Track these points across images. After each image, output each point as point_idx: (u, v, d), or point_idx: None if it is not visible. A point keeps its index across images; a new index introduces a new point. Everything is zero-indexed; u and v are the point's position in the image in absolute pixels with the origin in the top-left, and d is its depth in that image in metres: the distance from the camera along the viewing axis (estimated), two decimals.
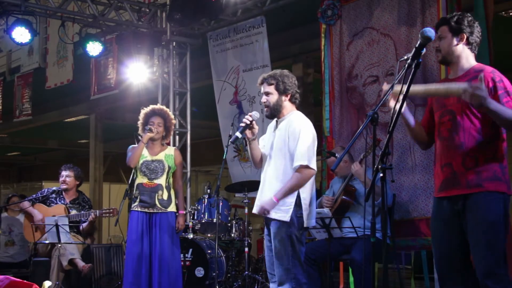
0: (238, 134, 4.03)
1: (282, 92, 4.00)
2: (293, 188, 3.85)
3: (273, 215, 3.90)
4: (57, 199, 6.30)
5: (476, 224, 3.08)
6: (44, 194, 6.35)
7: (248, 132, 4.06)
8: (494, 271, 3.03)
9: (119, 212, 6.21)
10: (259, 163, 4.17)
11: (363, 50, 5.70)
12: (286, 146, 3.93)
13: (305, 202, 3.90)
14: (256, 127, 4.08)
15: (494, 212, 3.08)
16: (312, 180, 3.97)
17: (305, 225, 3.89)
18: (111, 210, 6.17)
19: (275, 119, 4.11)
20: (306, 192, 3.91)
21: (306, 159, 3.83)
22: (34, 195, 6.51)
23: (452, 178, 3.17)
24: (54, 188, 6.42)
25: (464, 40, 3.24)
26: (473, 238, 3.09)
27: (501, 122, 3.02)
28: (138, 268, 5.13)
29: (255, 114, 4.09)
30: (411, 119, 3.38)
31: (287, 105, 4.04)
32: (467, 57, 3.26)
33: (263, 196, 4.02)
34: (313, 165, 3.87)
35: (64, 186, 6.27)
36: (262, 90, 4.08)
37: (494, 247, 3.05)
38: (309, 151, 3.87)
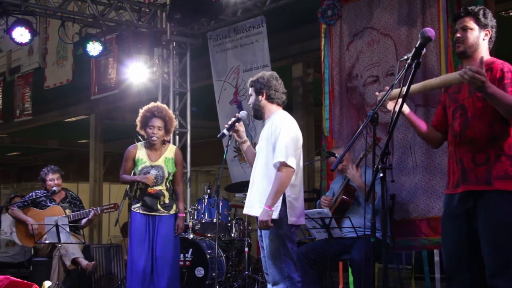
0: (225, 131, 4.17)
1: (257, 92, 4.09)
2: (279, 190, 3.85)
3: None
4: (47, 201, 6.25)
5: (487, 224, 3.05)
6: (33, 197, 6.28)
7: (234, 134, 4.19)
8: (503, 270, 3.00)
9: (119, 213, 6.22)
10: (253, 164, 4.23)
11: (363, 50, 5.70)
12: (269, 145, 3.98)
13: (289, 199, 3.91)
14: (241, 129, 4.17)
15: (505, 212, 3.04)
16: (298, 177, 3.99)
17: (289, 222, 3.89)
18: (111, 205, 6.17)
19: (263, 121, 4.17)
20: (290, 189, 3.93)
21: (284, 156, 3.85)
22: (22, 199, 6.45)
23: (462, 174, 3.14)
24: (41, 191, 6.36)
25: (489, 36, 3.22)
26: (484, 238, 3.06)
27: (502, 108, 2.96)
28: (140, 269, 5.11)
29: (243, 113, 4.20)
30: (422, 126, 3.37)
31: (267, 105, 4.09)
32: (485, 53, 3.22)
33: (252, 196, 4.06)
34: (291, 162, 3.86)
35: (57, 189, 6.23)
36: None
37: (505, 247, 3.02)
38: (287, 148, 3.88)
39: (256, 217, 4.03)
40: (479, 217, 3.08)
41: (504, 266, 3.01)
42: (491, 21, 3.23)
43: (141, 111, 5.23)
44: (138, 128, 5.25)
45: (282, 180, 3.84)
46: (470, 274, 3.15)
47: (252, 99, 4.14)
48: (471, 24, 3.20)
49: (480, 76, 2.83)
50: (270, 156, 3.95)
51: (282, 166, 3.86)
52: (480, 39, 3.20)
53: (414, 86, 3.18)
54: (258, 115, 4.13)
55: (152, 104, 5.27)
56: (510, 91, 2.99)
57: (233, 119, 4.17)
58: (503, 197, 3.05)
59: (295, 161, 3.91)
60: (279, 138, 3.90)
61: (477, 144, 3.11)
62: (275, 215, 3.86)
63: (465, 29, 3.20)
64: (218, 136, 4.23)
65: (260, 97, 4.08)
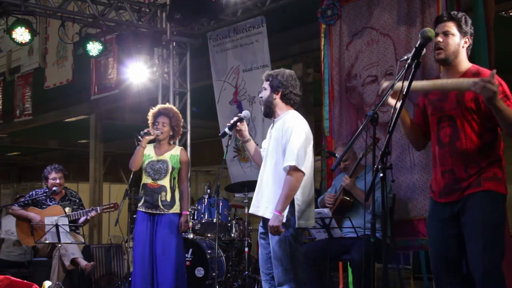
0: (226, 130, 4.08)
1: (274, 89, 3.98)
2: (289, 195, 3.77)
3: (270, 215, 3.85)
4: (47, 200, 6.25)
5: (475, 224, 3.05)
6: (33, 196, 6.28)
7: (237, 134, 4.12)
8: (493, 271, 3.01)
9: (119, 213, 6.23)
10: (259, 162, 4.15)
11: (363, 50, 5.70)
12: (279, 145, 3.89)
13: (298, 202, 3.83)
14: (243, 128, 4.07)
15: (493, 212, 3.06)
16: (308, 180, 3.90)
17: (297, 226, 3.82)
18: (111, 205, 6.18)
19: (273, 119, 4.07)
20: (300, 192, 3.84)
21: (295, 160, 3.75)
22: (23, 199, 6.45)
23: (454, 184, 3.14)
24: (42, 190, 6.36)
25: (467, 44, 3.20)
26: (471, 238, 3.06)
27: (505, 123, 2.96)
28: (142, 269, 5.15)
29: (245, 113, 4.13)
30: (407, 116, 3.36)
31: (279, 104, 3.99)
32: (465, 60, 3.21)
33: (259, 197, 4.00)
34: (302, 166, 3.78)
35: (59, 188, 6.23)
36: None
37: (494, 247, 3.02)
38: (299, 151, 3.78)
39: (262, 218, 4.01)
40: (467, 218, 3.08)
41: (494, 266, 3.01)
42: (470, 29, 3.21)
43: (151, 111, 5.43)
44: (150, 127, 5.34)
45: (292, 185, 3.76)
46: (459, 276, 3.15)
47: (265, 94, 4.01)
48: (453, 29, 3.17)
49: (492, 86, 2.80)
50: (280, 158, 3.87)
51: (292, 170, 3.76)
52: (460, 46, 3.17)
53: (423, 83, 3.17)
54: (269, 112, 4.02)
55: (160, 105, 5.51)
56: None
57: (235, 118, 4.09)
58: (491, 197, 3.07)
59: (306, 165, 3.82)
60: (290, 140, 3.80)
61: (469, 156, 3.11)
62: (283, 218, 3.79)
63: (446, 34, 3.17)
64: (219, 134, 4.19)
65: (274, 94, 3.98)
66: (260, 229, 4.06)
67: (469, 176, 3.10)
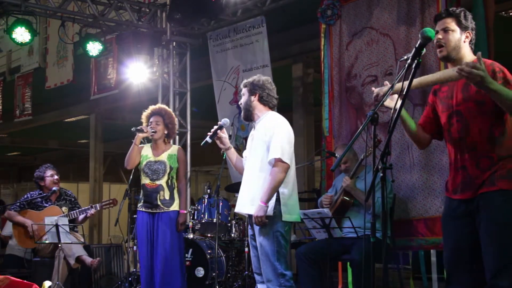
0: (207, 139, 4.20)
1: (250, 92, 4.14)
2: (274, 186, 3.91)
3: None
4: (43, 201, 6.23)
5: (489, 224, 3.02)
6: (29, 199, 6.24)
7: (218, 142, 4.23)
8: (505, 270, 2.97)
9: (119, 212, 6.22)
10: (241, 170, 4.27)
11: (362, 50, 5.70)
12: (263, 143, 4.02)
13: (283, 196, 3.96)
14: (223, 135, 4.21)
15: (508, 211, 3.01)
16: (292, 174, 4.03)
17: (283, 219, 3.94)
18: (110, 201, 6.18)
19: (253, 123, 4.19)
20: (284, 186, 3.97)
21: (280, 153, 3.91)
22: (18, 202, 6.41)
23: (467, 181, 3.11)
24: (37, 192, 6.34)
25: (469, 38, 3.19)
26: (485, 237, 3.03)
27: (505, 105, 2.92)
28: (147, 268, 5.18)
29: (224, 120, 4.27)
30: (413, 124, 3.34)
31: (258, 106, 4.13)
32: (468, 54, 3.19)
33: (245, 195, 4.09)
34: (287, 159, 3.92)
35: (57, 188, 6.22)
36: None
37: (507, 247, 2.99)
38: (283, 145, 3.94)
39: (247, 216, 4.07)
40: (482, 217, 3.05)
41: (506, 265, 2.98)
42: (471, 23, 3.20)
43: (143, 114, 5.41)
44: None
45: (277, 176, 3.90)
46: (470, 274, 3.12)
47: (244, 99, 4.18)
48: (453, 25, 3.16)
49: (478, 72, 2.78)
50: (265, 154, 3.99)
51: (277, 162, 3.92)
52: (461, 41, 3.16)
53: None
54: (248, 115, 4.17)
55: (151, 106, 5.47)
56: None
57: (215, 126, 4.23)
58: (506, 196, 3.02)
59: (290, 158, 3.97)
60: (274, 136, 3.96)
61: (479, 150, 3.07)
62: (269, 212, 3.91)
63: (446, 30, 3.16)
64: (201, 144, 4.26)
65: (252, 97, 4.13)
66: (250, 231, 4.13)
67: (481, 172, 3.06)
